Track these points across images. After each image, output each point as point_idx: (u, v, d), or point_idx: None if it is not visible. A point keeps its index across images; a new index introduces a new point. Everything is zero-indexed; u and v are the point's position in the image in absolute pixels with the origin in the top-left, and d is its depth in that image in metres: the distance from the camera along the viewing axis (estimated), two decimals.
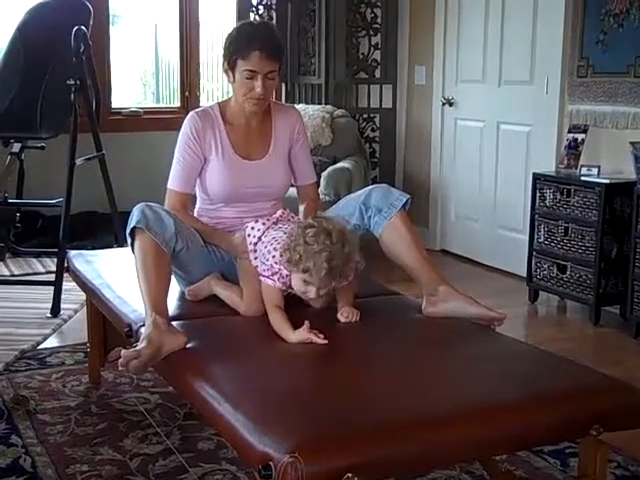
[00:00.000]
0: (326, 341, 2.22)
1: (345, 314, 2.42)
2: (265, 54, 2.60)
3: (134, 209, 2.52)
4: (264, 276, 2.43)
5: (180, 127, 2.77)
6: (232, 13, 5.82)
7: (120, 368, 2.19)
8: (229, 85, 2.76)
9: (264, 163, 2.77)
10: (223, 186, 2.73)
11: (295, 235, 2.34)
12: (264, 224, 2.53)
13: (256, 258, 2.50)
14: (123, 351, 2.19)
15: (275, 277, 2.41)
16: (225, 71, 2.73)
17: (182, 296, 2.69)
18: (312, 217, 2.45)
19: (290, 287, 2.40)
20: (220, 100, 2.92)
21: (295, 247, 2.31)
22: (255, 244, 2.51)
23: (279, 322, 2.34)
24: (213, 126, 2.74)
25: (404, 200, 2.59)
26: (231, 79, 2.70)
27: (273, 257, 2.41)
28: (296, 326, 2.28)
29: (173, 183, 2.76)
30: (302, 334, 2.24)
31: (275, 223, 2.55)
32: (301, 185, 2.90)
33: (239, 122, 2.76)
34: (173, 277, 2.59)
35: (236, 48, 2.64)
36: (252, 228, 2.54)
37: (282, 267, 2.38)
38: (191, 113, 2.79)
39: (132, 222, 2.48)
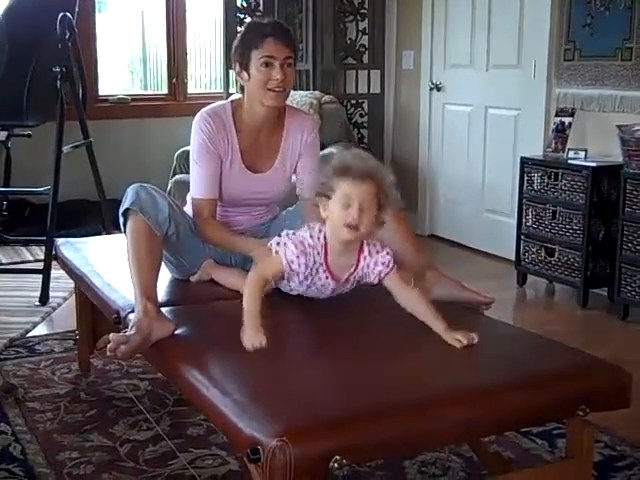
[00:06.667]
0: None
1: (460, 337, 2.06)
2: (279, 39, 2.56)
3: (128, 189, 2.48)
4: (288, 239, 2.17)
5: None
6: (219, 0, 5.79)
7: (108, 353, 2.19)
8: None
9: (267, 176, 2.72)
10: (221, 193, 2.68)
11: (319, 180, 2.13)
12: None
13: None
14: (112, 334, 2.20)
15: (299, 249, 2.14)
16: (238, 73, 2.64)
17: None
18: None
19: (308, 268, 2.17)
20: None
21: (322, 184, 2.09)
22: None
23: (252, 305, 2.07)
24: (225, 131, 2.65)
25: None
26: (246, 77, 2.61)
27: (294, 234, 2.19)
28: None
29: (197, 191, 2.66)
30: (257, 338, 2.00)
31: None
32: (302, 196, 2.72)
33: (250, 129, 2.68)
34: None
35: (248, 41, 2.58)
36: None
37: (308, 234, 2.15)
38: (202, 114, 2.67)
39: (126, 203, 2.45)
